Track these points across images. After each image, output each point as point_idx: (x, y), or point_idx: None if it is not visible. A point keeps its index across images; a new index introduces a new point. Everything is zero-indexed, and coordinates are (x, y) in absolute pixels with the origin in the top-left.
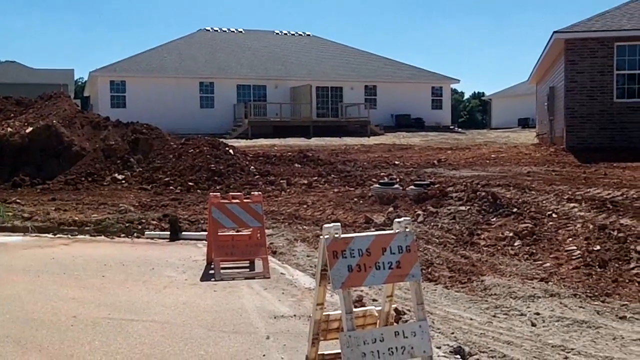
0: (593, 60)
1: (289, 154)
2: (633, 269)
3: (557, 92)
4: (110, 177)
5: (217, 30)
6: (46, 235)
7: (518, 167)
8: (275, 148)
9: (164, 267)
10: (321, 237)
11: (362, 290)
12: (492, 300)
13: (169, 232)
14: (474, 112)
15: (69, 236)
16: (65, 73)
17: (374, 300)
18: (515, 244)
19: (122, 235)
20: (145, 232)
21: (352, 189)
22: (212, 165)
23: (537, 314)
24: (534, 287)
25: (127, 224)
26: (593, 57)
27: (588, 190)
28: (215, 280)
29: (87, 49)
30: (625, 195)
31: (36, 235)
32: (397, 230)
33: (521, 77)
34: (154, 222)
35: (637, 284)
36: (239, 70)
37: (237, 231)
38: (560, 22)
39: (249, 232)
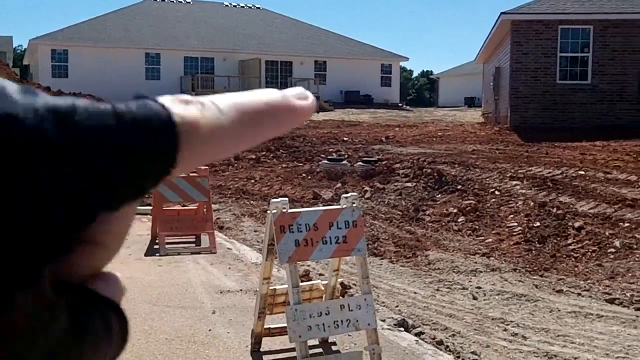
0: (538, 42)
1: None
2: (570, 244)
3: (503, 72)
4: None
5: (163, 0)
6: None
7: (463, 145)
8: None
9: None
10: (268, 211)
11: (309, 265)
12: (435, 275)
13: None
14: (422, 90)
15: None
16: (3, 40)
17: (320, 274)
18: (459, 220)
19: None
20: None
21: (301, 164)
22: None
23: (479, 287)
24: (476, 262)
25: None
26: (538, 39)
27: (530, 168)
28: (160, 255)
29: (26, 15)
30: (564, 174)
31: None
32: (344, 206)
33: (469, 56)
34: None
35: (573, 259)
36: (186, 41)
37: (183, 205)
38: (508, 3)
39: (195, 207)
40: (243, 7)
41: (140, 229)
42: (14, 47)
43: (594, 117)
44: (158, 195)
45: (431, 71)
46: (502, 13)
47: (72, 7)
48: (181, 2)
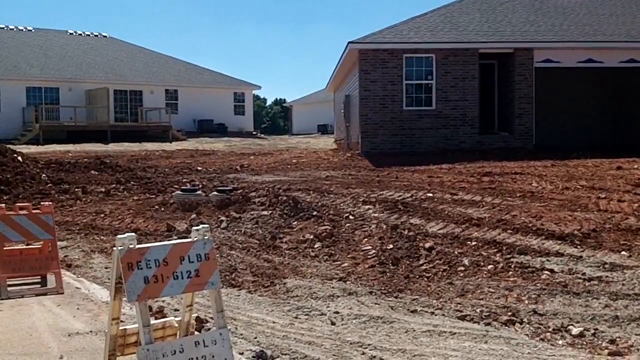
0: (384, 70)
1: (85, 160)
2: (422, 264)
3: (353, 100)
4: None
5: (2, 28)
6: None
7: (317, 172)
8: (70, 154)
9: None
10: (114, 248)
11: (163, 301)
12: (294, 302)
13: None
14: (276, 118)
15: None
16: None
17: (175, 310)
18: (316, 245)
19: None
20: None
21: (153, 196)
22: None
23: (337, 312)
24: (333, 287)
25: None
26: (384, 67)
27: (381, 192)
28: (2, 299)
29: None
30: (414, 197)
31: None
32: (195, 238)
33: (320, 84)
34: None
35: (426, 279)
36: (28, 71)
37: (27, 244)
38: (356, 33)
39: (40, 245)
40: (89, 35)
41: None
42: None
43: (439, 141)
44: None
45: (284, 99)
46: (349, 42)
47: None
48: (22, 29)
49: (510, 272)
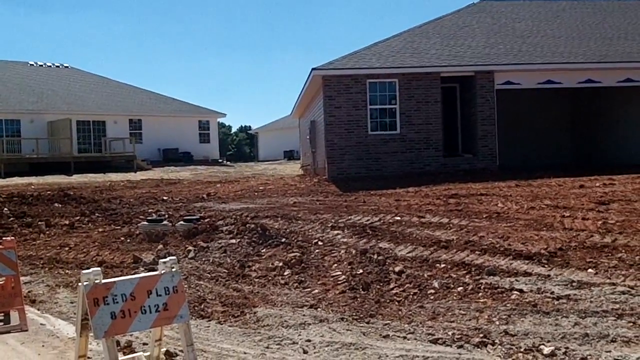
0: (349, 95)
1: (48, 192)
2: (392, 289)
3: (318, 125)
4: None
5: None
6: None
7: (285, 198)
8: (32, 187)
9: None
10: (79, 284)
11: (132, 335)
12: (264, 332)
13: None
14: (241, 145)
15: None
16: None
17: (144, 344)
18: (285, 273)
19: None
20: None
21: (119, 227)
22: None
23: (309, 340)
24: (304, 315)
25: None
26: (348, 92)
27: (350, 217)
28: None
29: None
30: (382, 221)
31: None
32: (162, 271)
33: (285, 111)
34: None
35: (397, 303)
36: None
37: None
38: (319, 58)
39: (2, 282)
40: (50, 66)
41: None
42: None
43: (404, 165)
44: None
45: (249, 126)
46: (313, 69)
47: None
48: None
49: (480, 294)
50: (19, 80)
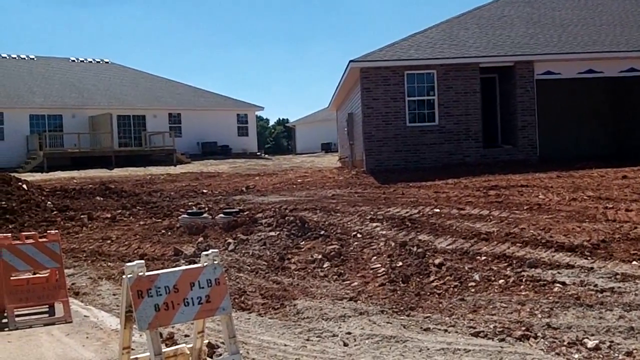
0: (386, 87)
1: (90, 186)
2: (432, 281)
3: (356, 117)
4: None
5: (5, 57)
6: None
7: (323, 191)
8: (75, 181)
9: None
10: (123, 276)
11: (173, 327)
12: (305, 324)
13: None
14: (279, 138)
15: None
16: None
17: (186, 336)
18: (325, 265)
19: None
20: None
21: (159, 220)
22: (3, 203)
23: (349, 333)
24: (344, 307)
25: None
26: (386, 84)
27: (388, 209)
28: (10, 330)
29: None
30: (421, 213)
31: None
32: (205, 264)
33: (322, 103)
34: None
35: (437, 296)
36: (31, 99)
37: (34, 273)
38: (355, 49)
39: (47, 274)
40: (91, 61)
41: None
42: None
43: (443, 156)
44: (4, 264)
45: (287, 119)
46: (350, 61)
47: None
48: (24, 58)
49: (522, 286)
50: (61, 76)
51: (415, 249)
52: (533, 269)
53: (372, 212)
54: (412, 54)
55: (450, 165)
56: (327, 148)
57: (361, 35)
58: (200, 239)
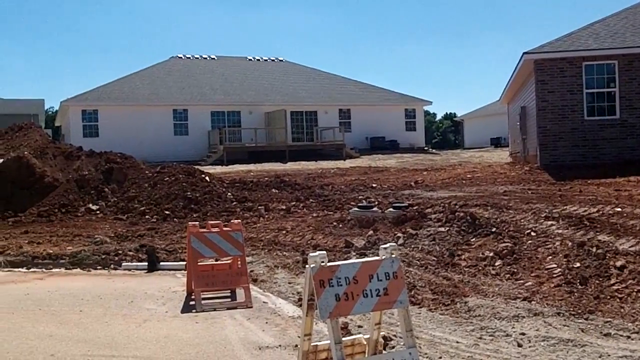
0: (562, 79)
1: (266, 179)
2: (613, 284)
3: (529, 111)
4: (85, 207)
5: (189, 57)
6: (19, 269)
7: (494, 187)
8: (252, 173)
9: (143, 299)
10: (307, 266)
11: (346, 317)
12: (476, 322)
13: (146, 263)
14: (446, 133)
15: (44, 270)
16: (35, 103)
17: (359, 326)
18: (496, 263)
19: (99, 267)
20: (122, 264)
21: (331, 213)
22: (188, 193)
23: (523, 334)
24: (517, 307)
25: (103, 256)
26: (562, 76)
27: (564, 207)
28: (197, 312)
29: (56, 78)
30: (601, 212)
31: (9, 270)
32: (383, 257)
33: (491, 97)
34: (131, 253)
35: (618, 300)
36: (212, 96)
37: (217, 260)
38: (524, 41)
39: (229, 261)
40: (266, 60)
41: (175, 285)
42: (45, 109)
43: (625, 152)
44: (192, 251)
45: (455, 113)
46: (524, 53)
47: (101, 68)
48: (206, 58)
49: None
50: (239, 74)
51: (594, 249)
52: None
53: (547, 210)
54: (591, 44)
55: (632, 161)
56: (497, 143)
57: (533, 26)
58: (370, 232)
